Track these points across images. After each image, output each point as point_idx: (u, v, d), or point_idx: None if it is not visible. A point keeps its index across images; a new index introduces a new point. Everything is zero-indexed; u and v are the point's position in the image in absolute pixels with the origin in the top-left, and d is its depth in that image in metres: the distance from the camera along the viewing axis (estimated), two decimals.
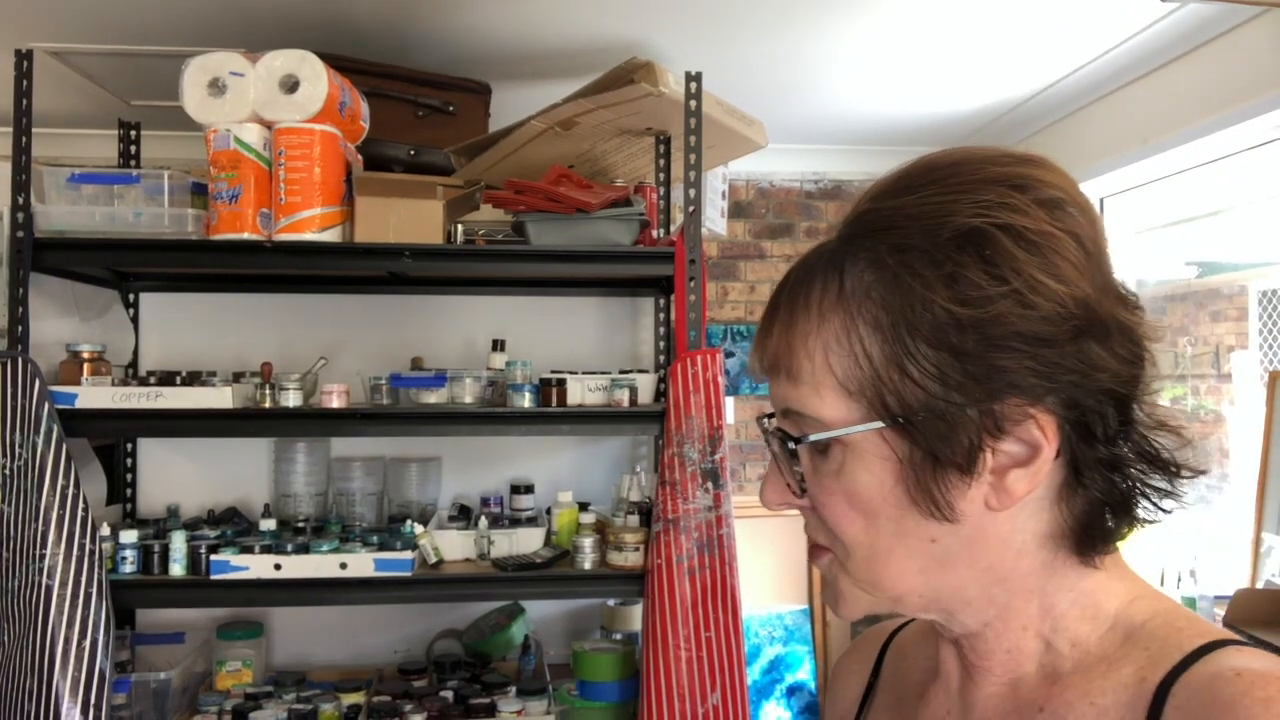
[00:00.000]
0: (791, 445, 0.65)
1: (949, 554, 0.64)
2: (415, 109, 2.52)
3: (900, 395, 0.61)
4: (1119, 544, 0.67)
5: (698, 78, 2.20)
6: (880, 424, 0.62)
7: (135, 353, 2.54)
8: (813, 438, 0.64)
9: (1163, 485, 0.65)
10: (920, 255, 0.61)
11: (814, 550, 0.69)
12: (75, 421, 2.06)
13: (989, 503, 0.62)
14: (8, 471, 1.98)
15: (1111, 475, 0.64)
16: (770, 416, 0.70)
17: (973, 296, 0.59)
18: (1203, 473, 0.66)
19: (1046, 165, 0.65)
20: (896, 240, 0.62)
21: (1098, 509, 0.64)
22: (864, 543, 0.65)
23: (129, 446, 2.52)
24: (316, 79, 2.06)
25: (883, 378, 0.61)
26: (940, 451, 0.61)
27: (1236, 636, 0.62)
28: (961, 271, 0.60)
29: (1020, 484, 0.61)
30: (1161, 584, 2.66)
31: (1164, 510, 0.65)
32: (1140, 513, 0.65)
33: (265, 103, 2.07)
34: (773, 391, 0.68)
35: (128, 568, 2.11)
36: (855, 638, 0.91)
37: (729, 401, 3.92)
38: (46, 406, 1.99)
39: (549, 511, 2.41)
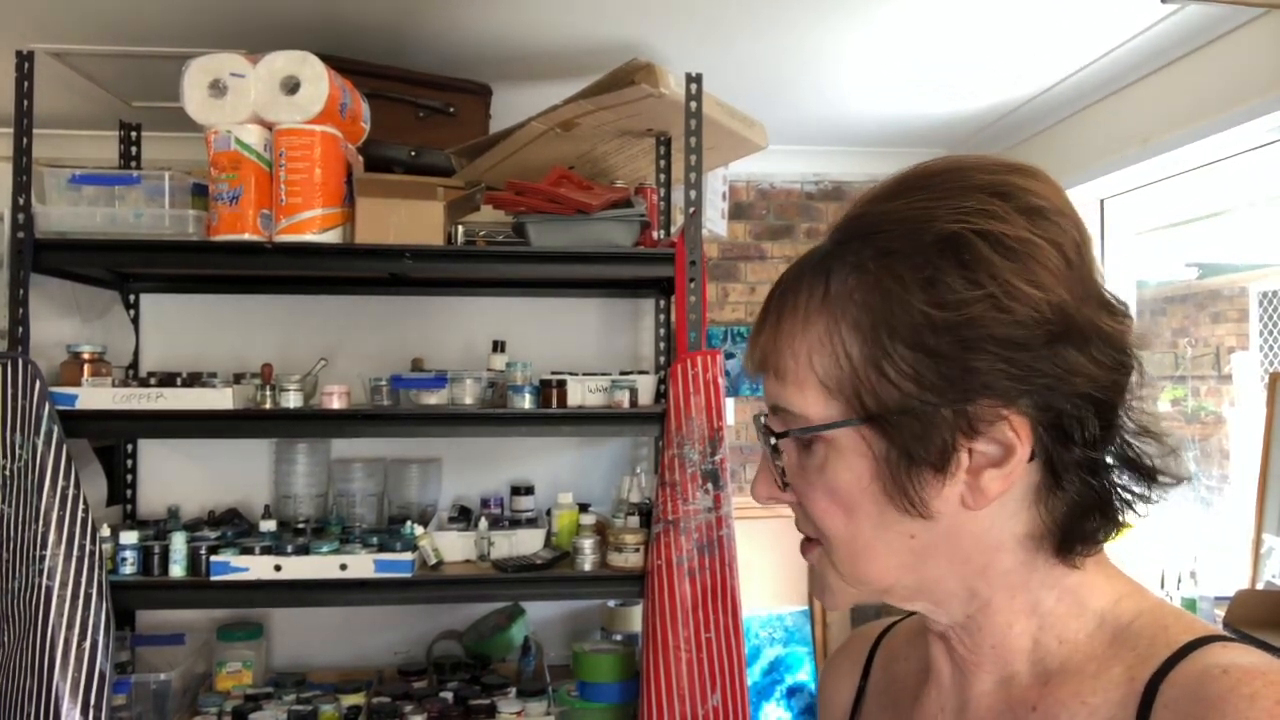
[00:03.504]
0: (773, 440, 0.68)
1: (927, 549, 0.66)
2: (416, 110, 2.53)
3: (877, 394, 0.63)
4: (1103, 545, 0.68)
5: (698, 79, 2.20)
6: (857, 422, 0.64)
7: (136, 354, 2.54)
8: (792, 433, 0.67)
9: (1140, 490, 0.66)
10: (901, 259, 0.63)
11: (804, 544, 0.72)
12: (75, 422, 2.06)
13: (965, 501, 0.64)
14: (8, 473, 1.98)
15: (1089, 478, 0.65)
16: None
17: (949, 300, 0.61)
18: (1185, 480, 0.67)
19: (1034, 174, 0.66)
20: (881, 244, 0.64)
21: (1076, 510, 0.65)
22: (845, 537, 0.67)
23: (129, 447, 2.52)
24: (317, 80, 2.06)
25: (860, 377, 0.63)
26: (914, 450, 0.63)
27: (1223, 632, 0.63)
28: (939, 276, 0.61)
29: (994, 484, 0.63)
30: (1162, 585, 2.66)
31: (1138, 514, 0.67)
32: (1121, 516, 0.67)
33: (266, 104, 2.07)
34: (765, 389, 0.70)
35: (128, 569, 2.11)
36: (845, 639, 0.91)
37: (729, 403, 3.91)
38: (47, 407, 1.99)
39: (549, 513, 2.41)
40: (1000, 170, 0.66)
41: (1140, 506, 0.67)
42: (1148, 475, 0.66)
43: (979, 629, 0.68)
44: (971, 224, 0.62)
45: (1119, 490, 0.66)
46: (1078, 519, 0.65)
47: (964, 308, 0.61)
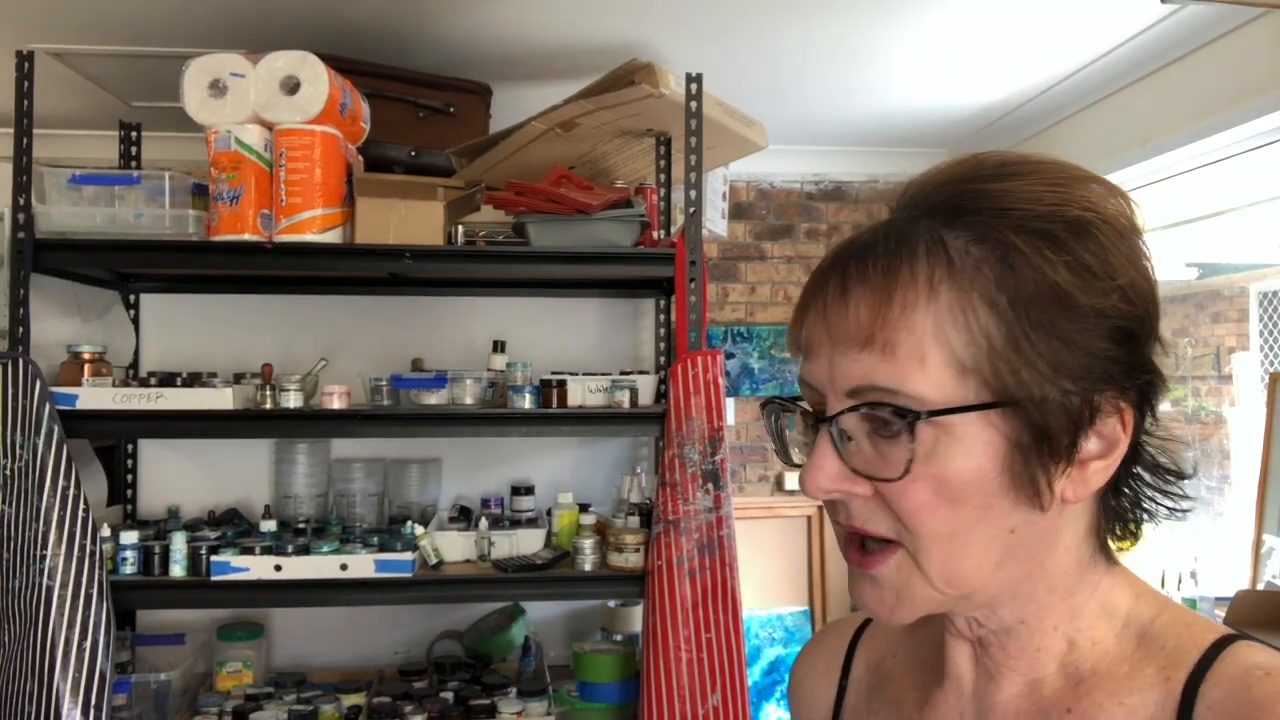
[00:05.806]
0: (905, 422, 0.60)
1: (1020, 545, 0.63)
2: (416, 110, 2.52)
3: (1019, 376, 0.59)
4: (1136, 540, 0.69)
5: (698, 79, 2.20)
6: (998, 404, 0.60)
7: (136, 354, 2.54)
8: (924, 415, 0.60)
9: (1175, 489, 0.67)
10: (1042, 239, 0.60)
11: (867, 553, 0.64)
12: (76, 422, 2.06)
13: (1065, 494, 0.62)
14: (8, 472, 1.98)
15: (1145, 475, 0.66)
16: (791, 400, 0.67)
17: (1092, 286, 0.60)
18: (1190, 476, 0.68)
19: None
20: (1015, 220, 0.61)
21: (1127, 509, 0.66)
22: (945, 534, 0.61)
23: (129, 447, 2.52)
24: (317, 80, 2.07)
25: (1001, 357, 0.59)
26: (1054, 437, 0.60)
27: (1240, 631, 0.64)
28: (1083, 261, 0.60)
29: (1098, 477, 0.62)
30: (1162, 585, 2.66)
31: (1181, 510, 0.67)
32: (1153, 513, 0.67)
33: (266, 104, 2.07)
34: (843, 367, 0.62)
35: (128, 569, 2.11)
36: (816, 634, 0.90)
37: (729, 403, 3.91)
38: (47, 407, 1.99)
39: (549, 513, 2.41)
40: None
41: (1181, 504, 0.67)
42: (1178, 473, 0.67)
43: (1029, 633, 0.66)
44: (1102, 212, 0.61)
45: (1158, 488, 0.67)
46: (1126, 516, 0.66)
47: (1104, 296, 0.60)
